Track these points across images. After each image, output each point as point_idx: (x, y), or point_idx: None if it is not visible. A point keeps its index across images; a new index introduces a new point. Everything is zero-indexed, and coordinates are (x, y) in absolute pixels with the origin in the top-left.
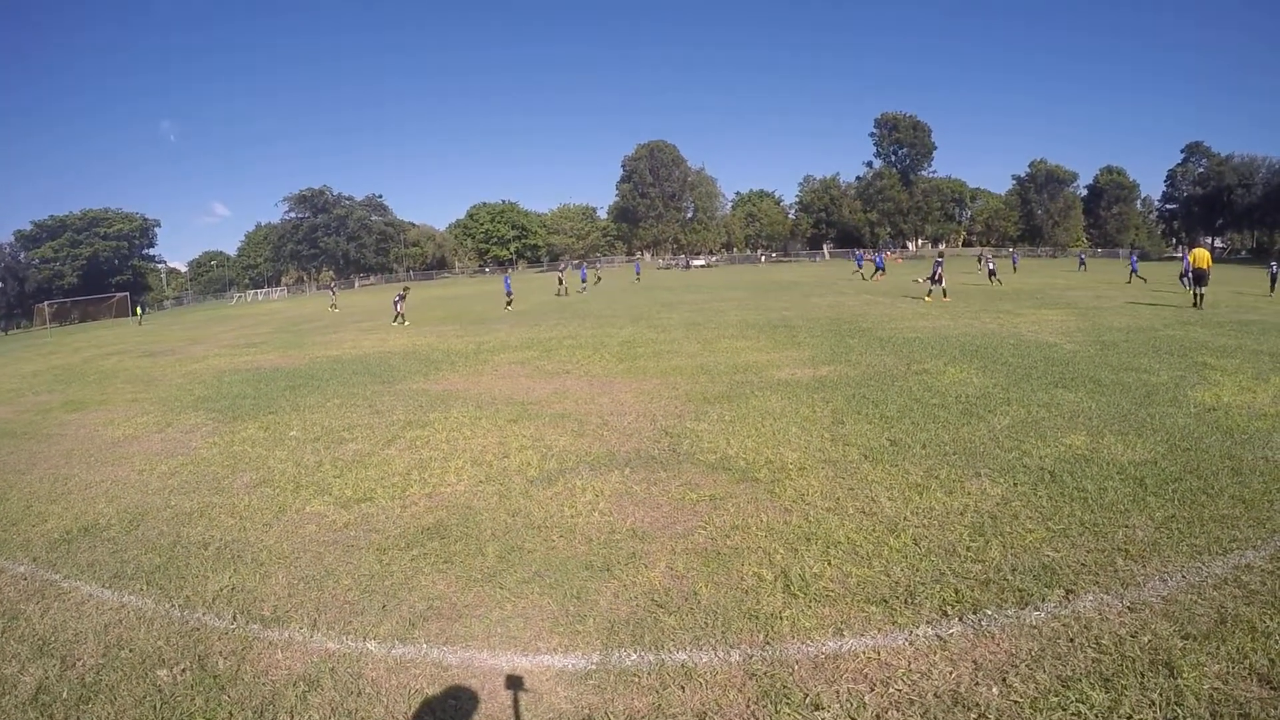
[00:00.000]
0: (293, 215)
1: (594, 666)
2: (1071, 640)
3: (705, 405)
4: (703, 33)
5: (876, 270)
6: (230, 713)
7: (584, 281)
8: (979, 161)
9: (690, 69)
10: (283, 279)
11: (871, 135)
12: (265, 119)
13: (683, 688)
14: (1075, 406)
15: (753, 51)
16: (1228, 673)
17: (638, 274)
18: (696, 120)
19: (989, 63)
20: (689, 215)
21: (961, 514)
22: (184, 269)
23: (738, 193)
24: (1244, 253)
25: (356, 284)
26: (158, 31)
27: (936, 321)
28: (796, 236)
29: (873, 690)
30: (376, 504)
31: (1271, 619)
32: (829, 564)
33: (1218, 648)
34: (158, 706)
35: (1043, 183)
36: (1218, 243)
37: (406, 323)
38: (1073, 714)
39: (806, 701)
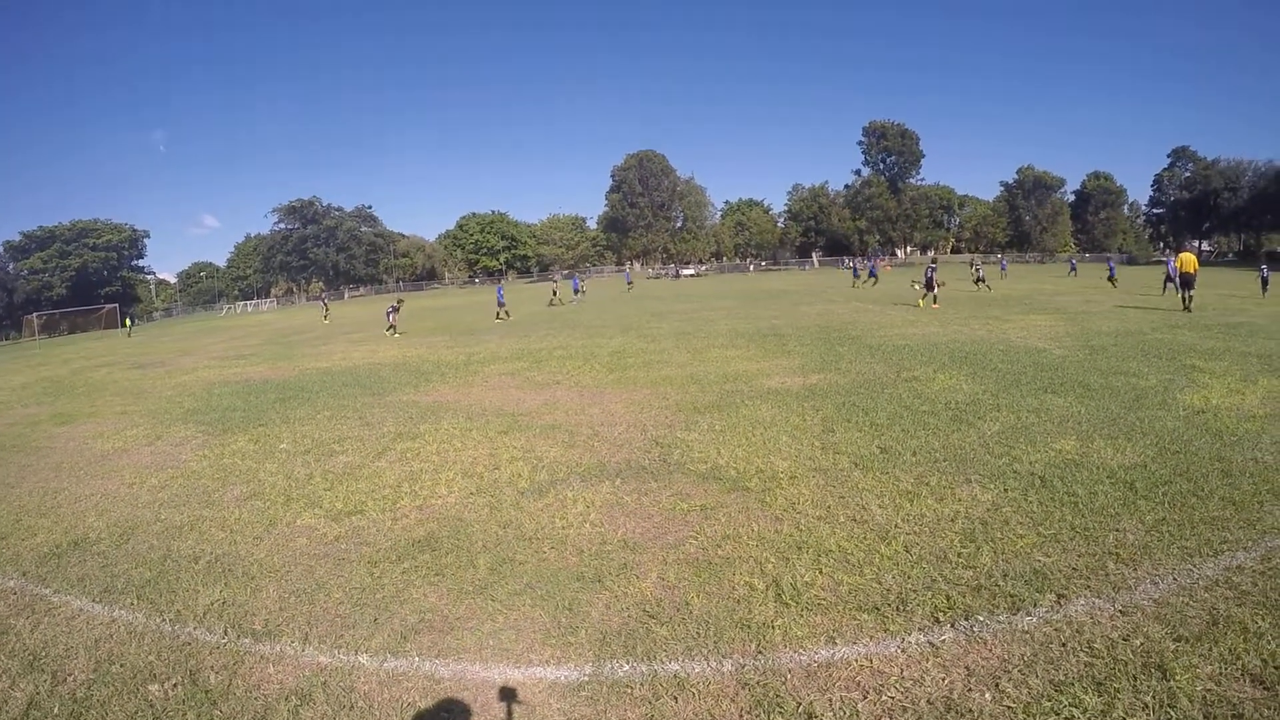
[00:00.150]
0: (282, 226)
1: (586, 678)
2: (1064, 645)
3: (696, 415)
4: (691, 43)
5: (870, 277)
6: None
7: (576, 292)
8: (967, 168)
9: (679, 79)
10: (272, 290)
11: (860, 143)
12: (255, 130)
13: (675, 698)
14: (1065, 411)
15: (741, 61)
16: (1220, 674)
17: (629, 283)
18: (685, 130)
19: (976, 71)
20: (678, 224)
21: (952, 520)
22: (173, 280)
23: (727, 202)
24: (1231, 255)
25: (346, 295)
26: (148, 42)
27: (926, 328)
28: (785, 245)
29: (866, 698)
30: (367, 516)
31: (1263, 619)
32: (820, 572)
33: (1210, 649)
34: None
35: (1030, 189)
36: (1205, 246)
37: (398, 334)
38: (1066, 718)
39: (800, 710)
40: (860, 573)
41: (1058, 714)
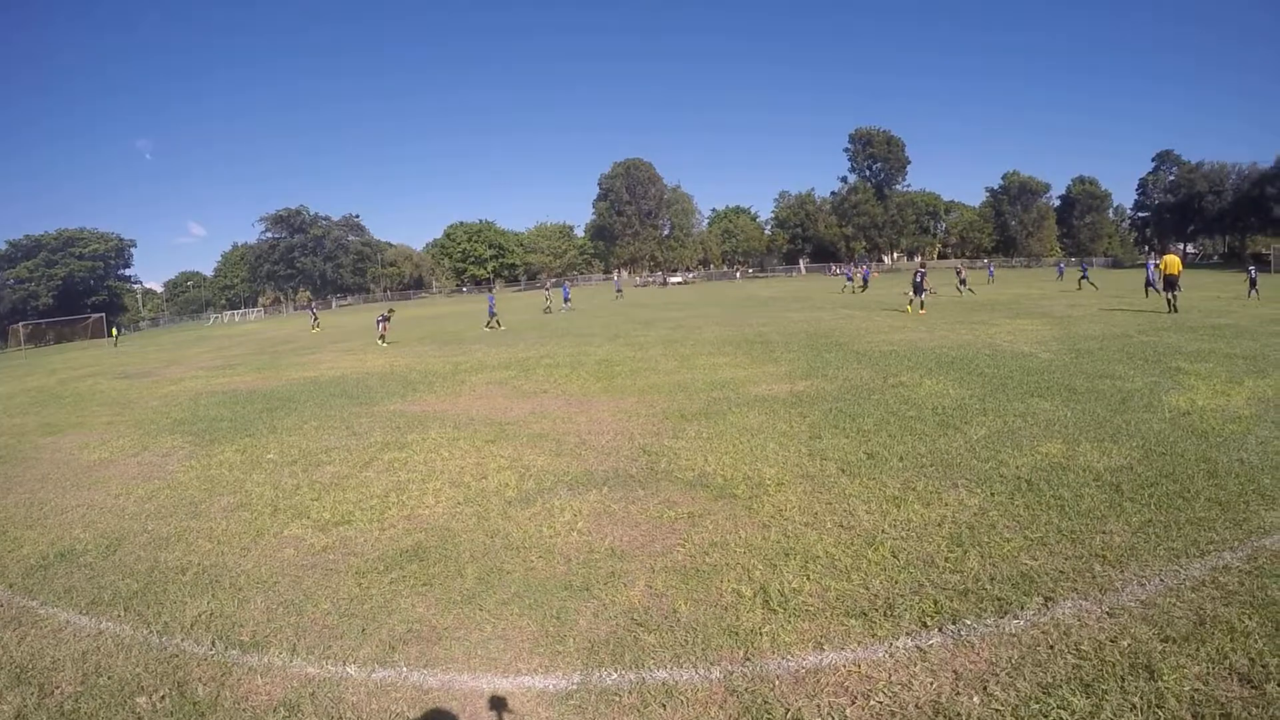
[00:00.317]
0: (269, 235)
1: (575, 687)
2: (1051, 647)
3: (683, 422)
4: (678, 52)
5: (862, 282)
6: None
7: (566, 300)
8: (953, 174)
9: (666, 88)
10: (260, 300)
11: (846, 150)
12: (242, 138)
13: (664, 706)
14: (1051, 415)
15: (728, 70)
16: (1208, 673)
17: (618, 291)
18: (672, 138)
19: (962, 78)
20: (665, 232)
21: (939, 525)
22: (160, 290)
23: (714, 209)
24: (1216, 257)
25: (334, 304)
26: (134, 50)
27: (912, 334)
28: (773, 252)
29: (854, 703)
30: (355, 527)
31: (1250, 619)
32: (808, 579)
33: (1197, 649)
34: None
35: (1016, 194)
36: (1190, 248)
37: (388, 343)
38: None
39: (788, 716)
40: (847, 578)
41: (1046, 716)
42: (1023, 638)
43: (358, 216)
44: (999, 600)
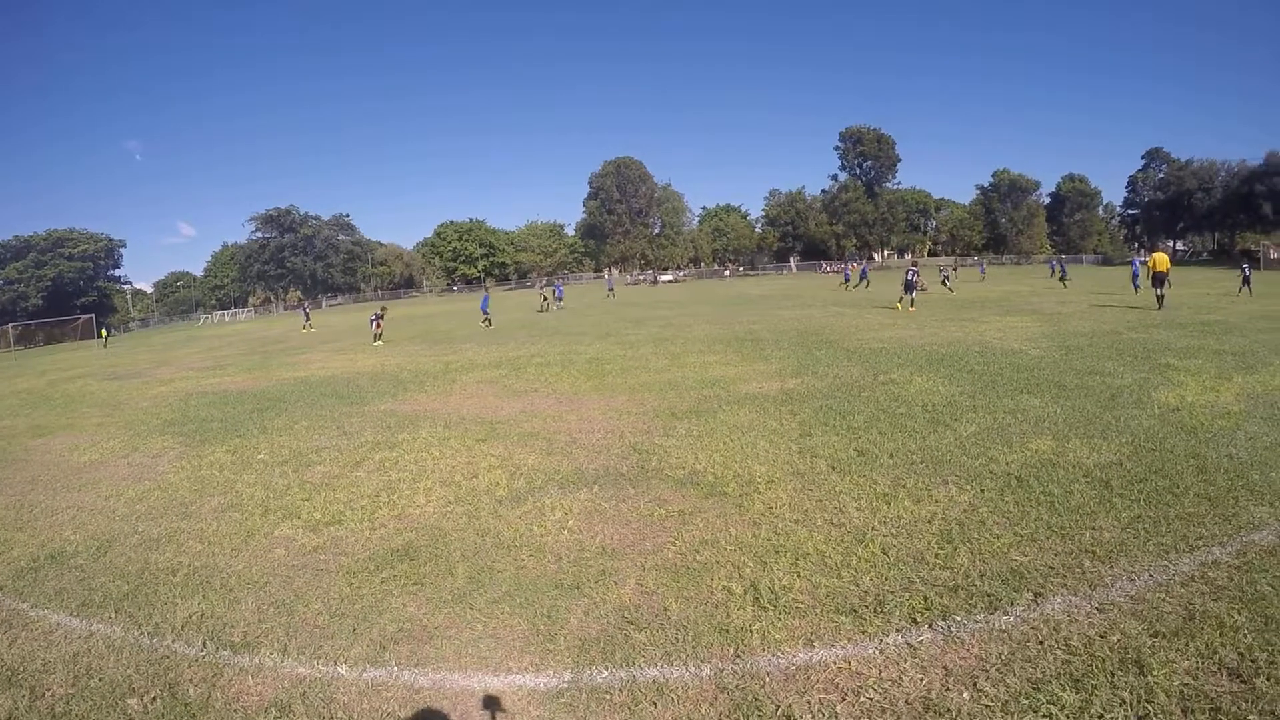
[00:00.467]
0: (259, 235)
1: (566, 685)
2: (1041, 643)
3: (673, 421)
4: (668, 51)
5: (862, 280)
6: None
7: (559, 298)
8: (943, 172)
9: (656, 86)
10: (250, 299)
11: (836, 148)
12: (231, 138)
13: (655, 704)
14: (1040, 412)
15: (718, 68)
16: (1198, 668)
17: (610, 290)
18: (663, 137)
19: (952, 76)
20: (656, 231)
21: (929, 522)
22: (150, 290)
23: (704, 208)
24: (1205, 254)
25: (324, 304)
26: (123, 50)
27: (903, 331)
28: (763, 250)
29: (844, 700)
30: (346, 527)
31: (1239, 614)
32: (798, 576)
33: (1187, 644)
34: None
35: (1006, 192)
36: (1179, 246)
37: (380, 342)
38: (1044, 715)
39: (779, 713)
40: (838, 575)
41: (1036, 711)
42: (1013, 633)
43: (348, 216)
44: (989, 596)
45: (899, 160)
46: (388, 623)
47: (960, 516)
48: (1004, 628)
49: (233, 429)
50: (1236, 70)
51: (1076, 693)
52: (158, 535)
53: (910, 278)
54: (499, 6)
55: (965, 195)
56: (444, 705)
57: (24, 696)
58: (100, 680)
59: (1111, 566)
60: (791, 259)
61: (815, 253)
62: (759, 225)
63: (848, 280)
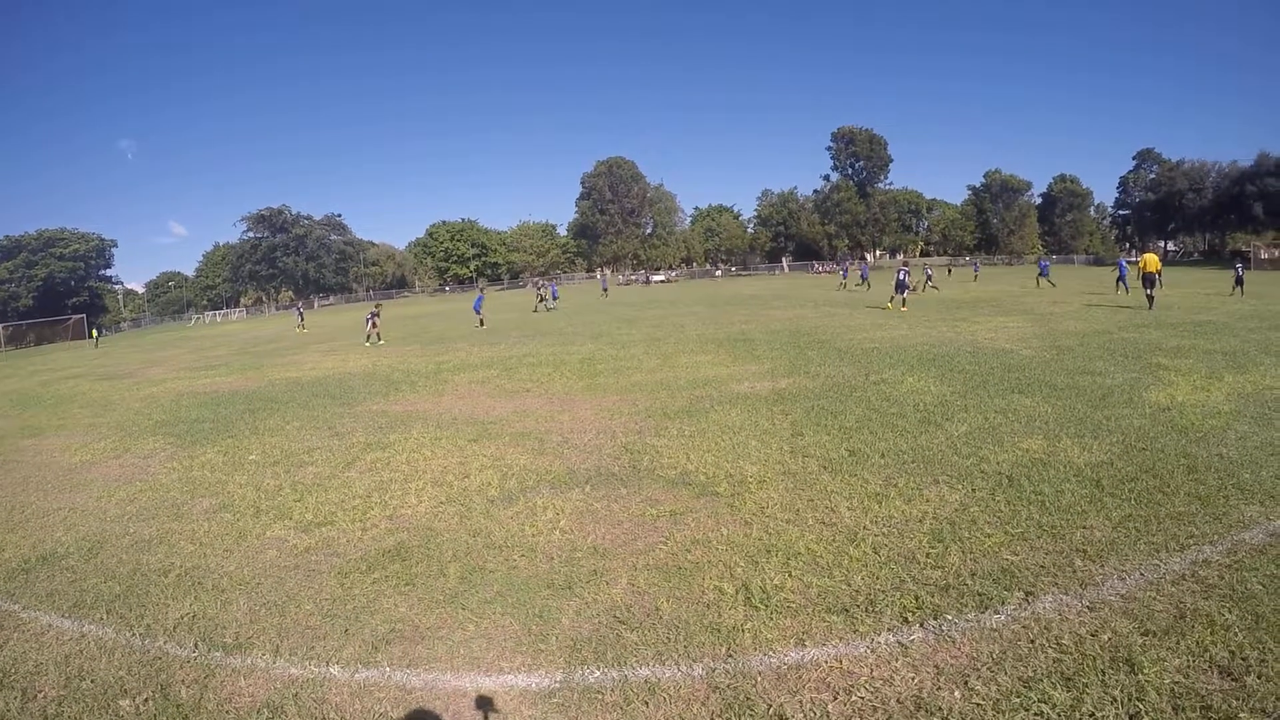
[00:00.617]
0: (251, 235)
1: (558, 685)
2: (1032, 641)
3: (665, 421)
4: (660, 51)
5: (863, 281)
6: None
7: (555, 298)
8: (935, 173)
9: (649, 86)
10: (241, 300)
11: (828, 149)
12: (223, 138)
13: (647, 703)
14: (1032, 411)
15: (710, 68)
16: (1188, 666)
17: (604, 289)
18: (655, 137)
19: (944, 76)
20: (648, 231)
21: (920, 521)
22: (141, 290)
23: (696, 208)
24: (1196, 255)
25: (316, 304)
26: (115, 51)
27: (894, 331)
28: (755, 250)
29: (836, 699)
30: (337, 527)
31: (1230, 612)
32: (790, 575)
33: (1177, 642)
34: None
35: (998, 192)
36: (1171, 246)
37: (382, 341)
38: (1035, 714)
39: (770, 712)
40: (829, 575)
41: (1027, 710)
42: (1004, 632)
43: (340, 216)
44: (980, 595)
45: (891, 161)
46: (380, 623)
47: (951, 516)
48: (995, 626)
49: (224, 430)
50: (1228, 71)
51: (1068, 691)
52: (149, 536)
53: (901, 277)
54: (492, 7)
55: (957, 195)
56: (436, 705)
57: (16, 698)
58: (92, 682)
59: (1102, 565)
60: (783, 259)
61: (807, 253)
62: (751, 225)
63: (845, 278)
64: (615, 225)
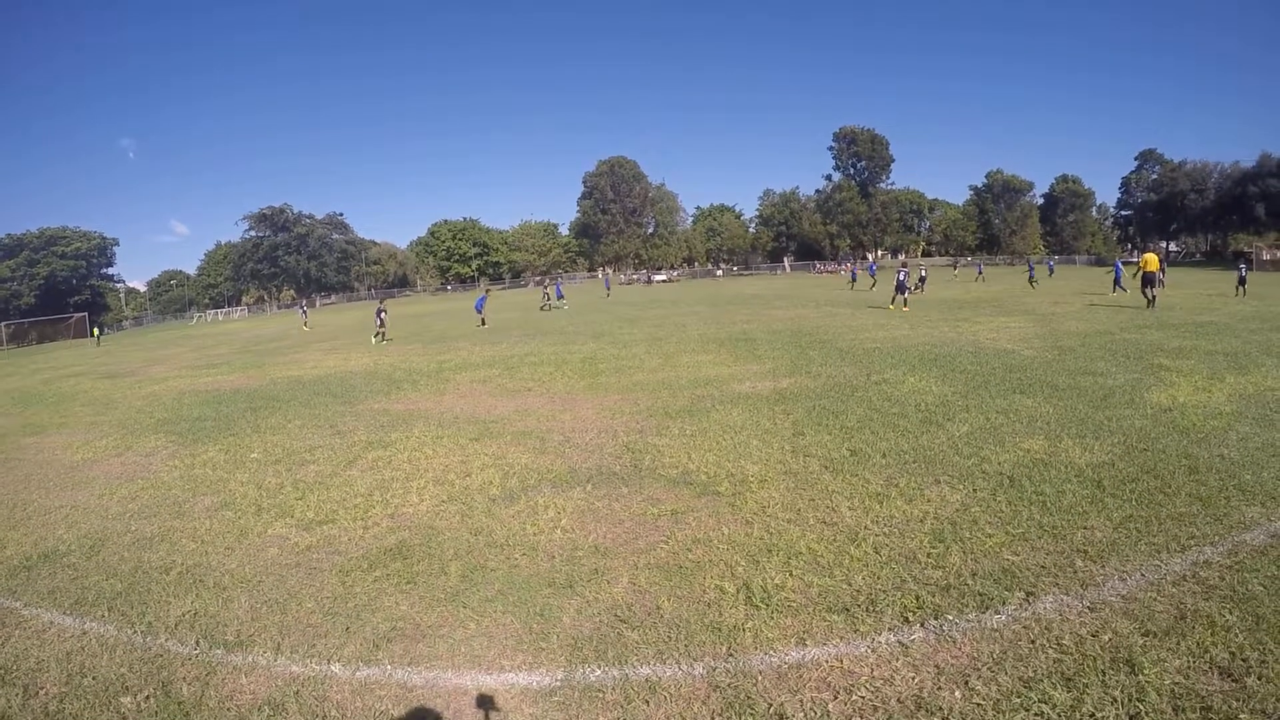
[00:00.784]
0: (253, 234)
1: (558, 684)
2: (1033, 642)
3: (667, 420)
4: (663, 50)
5: (872, 279)
6: None
7: (560, 297)
8: (937, 173)
9: (651, 86)
10: (243, 298)
11: (830, 149)
12: (225, 137)
13: (647, 702)
14: (1033, 412)
15: (712, 68)
16: (1189, 667)
17: (607, 289)
18: (657, 137)
19: (946, 76)
20: (650, 230)
21: (921, 521)
22: (143, 289)
23: (698, 207)
24: (1198, 255)
25: (318, 303)
26: (116, 49)
27: (896, 331)
28: (757, 250)
29: (836, 698)
30: (339, 525)
31: (1230, 613)
32: (791, 575)
33: (1178, 643)
34: None
35: (1000, 192)
36: (1173, 247)
37: (389, 339)
38: (1035, 714)
39: (771, 711)
40: (830, 574)
41: (1027, 710)
42: (1004, 632)
43: (342, 215)
44: (981, 595)
45: (893, 160)
46: (381, 621)
47: (953, 516)
48: (996, 627)
49: (226, 428)
50: (1230, 71)
51: (1068, 691)
52: (151, 534)
53: (900, 278)
54: (493, 6)
55: (959, 196)
56: (437, 704)
57: (17, 695)
58: (94, 679)
59: (1103, 566)
60: (785, 259)
61: (809, 253)
62: (753, 225)
63: (854, 279)
64: (617, 225)
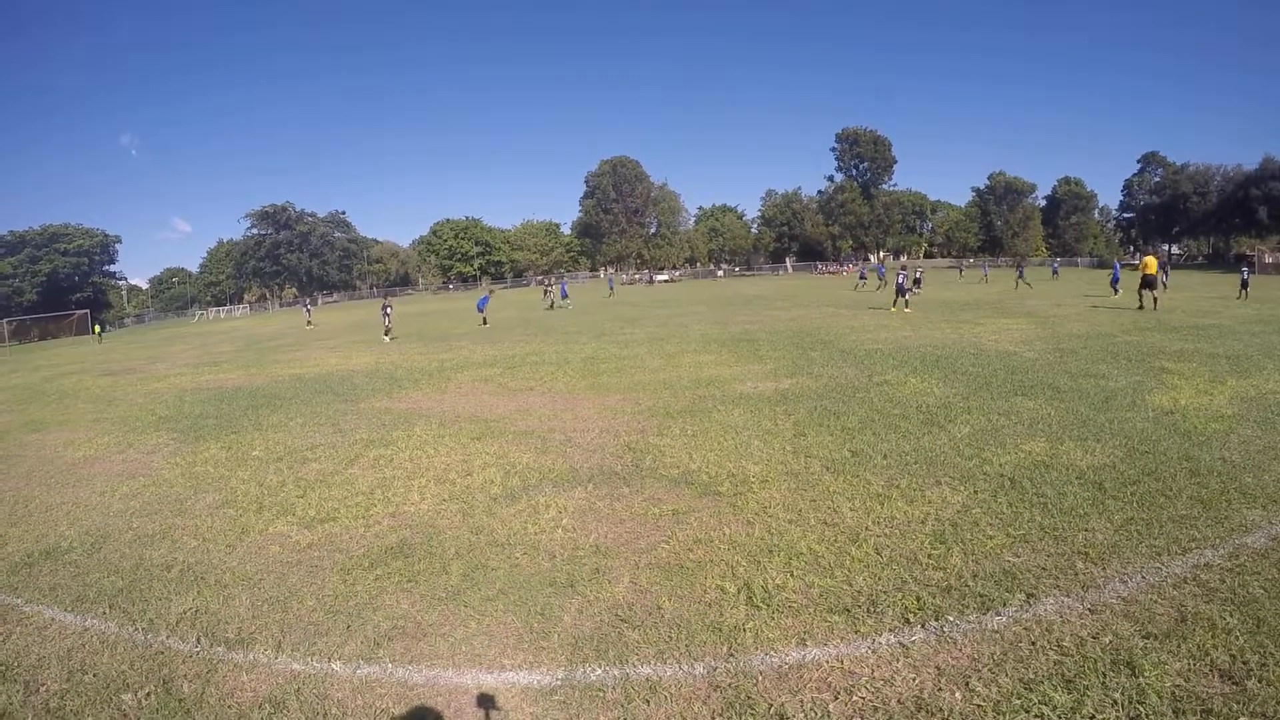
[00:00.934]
0: (255, 232)
1: (559, 683)
2: (1033, 643)
3: (668, 420)
4: (666, 51)
5: (880, 280)
6: None
7: (565, 297)
8: (939, 174)
9: (654, 86)
10: (245, 296)
11: (833, 149)
12: (228, 135)
13: (648, 702)
14: (1034, 414)
15: (715, 69)
16: (1189, 670)
17: (611, 288)
18: (659, 137)
19: (948, 78)
20: (652, 230)
21: (923, 522)
22: (145, 286)
23: (700, 207)
24: (1200, 258)
25: (320, 301)
26: (118, 45)
27: (897, 333)
28: (759, 251)
29: (836, 699)
30: (340, 524)
31: (1231, 616)
32: (791, 575)
33: (1179, 646)
34: None
35: (1002, 194)
36: (1175, 249)
37: (394, 336)
38: (1036, 716)
39: (771, 712)
40: (831, 575)
41: (1028, 711)
42: (1005, 634)
43: (344, 213)
44: (982, 597)
45: (895, 162)
46: (382, 620)
47: (954, 517)
48: (996, 628)
49: (227, 425)
50: (1233, 74)
51: (1068, 693)
52: (152, 531)
53: (900, 280)
54: (496, 5)
55: (961, 197)
56: (438, 702)
57: (18, 692)
58: (94, 676)
59: (1104, 568)
60: (787, 260)
61: (811, 254)
62: (755, 226)
63: (864, 279)
64: (619, 224)
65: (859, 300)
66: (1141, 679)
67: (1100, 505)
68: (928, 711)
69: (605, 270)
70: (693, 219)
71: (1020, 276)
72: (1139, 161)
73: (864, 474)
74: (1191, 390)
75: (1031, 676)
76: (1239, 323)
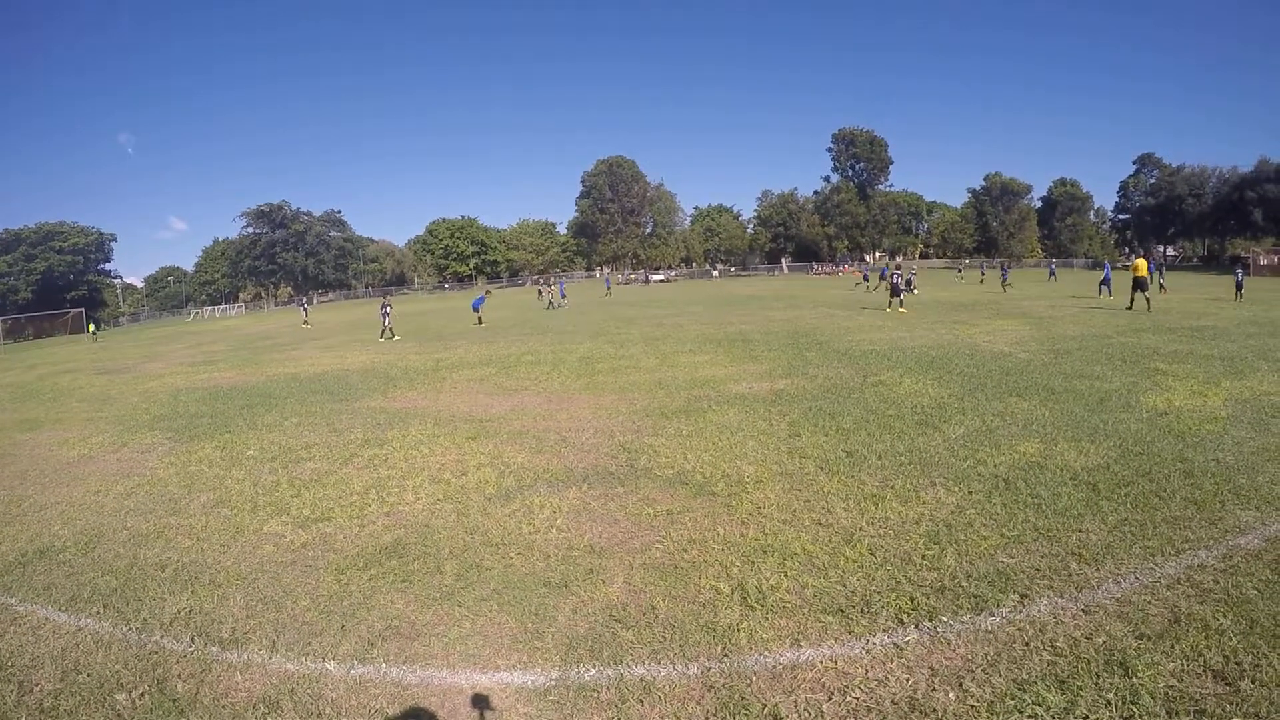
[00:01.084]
0: (251, 230)
1: (553, 683)
2: (1027, 644)
3: (663, 420)
4: (662, 50)
5: (881, 280)
6: None
7: (563, 297)
8: (935, 175)
9: (650, 86)
10: (240, 295)
11: (829, 150)
12: (224, 133)
13: (642, 702)
14: (1029, 414)
15: (712, 68)
16: (1183, 670)
17: (608, 288)
18: (656, 136)
19: (945, 78)
20: (648, 230)
21: (917, 523)
22: (140, 285)
23: (696, 207)
24: (1196, 260)
25: (315, 300)
26: (114, 44)
27: (893, 333)
28: (755, 251)
29: (830, 699)
30: (334, 523)
31: (1225, 617)
32: (786, 575)
33: (1172, 646)
34: None
35: (998, 195)
36: (1170, 251)
37: (396, 336)
38: (1029, 716)
39: (765, 712)
40: (825, 575)
41: (1021, 712)
42: (999, 634)
43: (339, 212)
44: (976, 597)
45: (891, 162)
46: (376, 620)
47: (948, 518)
48: (990, 629)
49: (222, 425)
50: (1229, 76)
51: (1062, 694)
52: (146, 531)
53: (895, 281)
54: (492, 4)
55: (957, 198)
56: (432, 702)
57: (12, 691)
58: (88, 675)
59: (1098, 569)
60: (783, 260)
61: (807, 254)
62: (751, 226)
63: (866, 280)
64: (615, 224)
65: (854, 300)
66: (1135, 679)
67: (1094, 506)
68: (921, 712)
69: (601, 270)
70: (689, 219)
71: (1004, 279)
72: (1135, 163)
73: (859, 474)
74: (1186, 392)
75: (1025, 677)
76: (1233, 324)
